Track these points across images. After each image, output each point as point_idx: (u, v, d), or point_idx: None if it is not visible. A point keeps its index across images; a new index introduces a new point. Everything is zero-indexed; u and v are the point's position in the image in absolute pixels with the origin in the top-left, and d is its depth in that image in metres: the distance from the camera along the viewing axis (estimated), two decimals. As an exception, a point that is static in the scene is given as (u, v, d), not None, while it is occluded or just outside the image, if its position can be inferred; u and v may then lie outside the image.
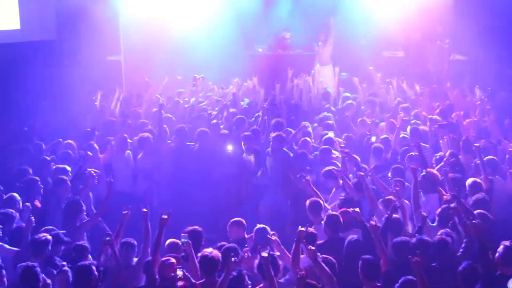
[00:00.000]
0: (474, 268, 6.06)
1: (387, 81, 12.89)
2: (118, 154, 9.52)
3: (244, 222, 7.34)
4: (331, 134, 9.89)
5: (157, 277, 6.39)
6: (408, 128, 10.30)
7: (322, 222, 7.34)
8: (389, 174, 8.56)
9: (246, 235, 7.23)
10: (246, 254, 6.39)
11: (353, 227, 7.33)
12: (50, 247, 6.69)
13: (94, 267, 6.19)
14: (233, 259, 5.98)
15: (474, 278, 6.05)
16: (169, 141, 9.89)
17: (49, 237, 6.74)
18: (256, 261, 6.25)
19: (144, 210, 6.98)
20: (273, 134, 9.69)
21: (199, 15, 15.20)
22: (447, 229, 6.97)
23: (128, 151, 9.65)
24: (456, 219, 6.97)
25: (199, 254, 6.43)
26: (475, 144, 8.69)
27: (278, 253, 6.40)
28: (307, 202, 7.72)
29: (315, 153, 9.52)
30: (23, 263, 6.18)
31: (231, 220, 7.37)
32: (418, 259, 5.79)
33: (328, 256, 6.32)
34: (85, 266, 6.19)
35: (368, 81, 13.54)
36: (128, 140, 9.69)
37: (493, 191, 8.01)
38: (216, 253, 6.33)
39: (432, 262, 6.42)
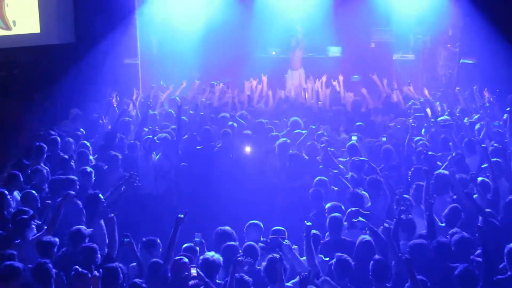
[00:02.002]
0: (470, 271, 6.04)
1: (395, 88, 13.11)
2: (145, 156, 9.57)
3: (261, 225, 7.22)
4: (354, 138, 9.94)
5: (169, 275, 6.39)
6: (423, 130, 10.52)
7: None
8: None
9: (262, 238, 7.07)
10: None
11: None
12: (56, 249, 6.72)
13: (120, 269, 6.26)
14: (239, 258, 6.05)
15: (472, 281, 6.02)
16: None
17: (56, 239, 6.78)
18: (264, 264, 6.26)
19: (180, 216, 6.78)
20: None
21: (214, 18, 15.47)
22: (456, 228, 7.03)
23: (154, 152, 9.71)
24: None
25: (201, 257, 6.47)
26: (482, 145, 8.76)
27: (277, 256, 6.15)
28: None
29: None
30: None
31: (248, 223, 7.27)
32: (408, 256, 5.95)
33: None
34: (112, 268, 6.24)
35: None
36: (157, 140, 9.73)
37: (499, 192, 8.05)
38: (218, 257, 6.36)
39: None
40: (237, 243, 6.78)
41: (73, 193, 7.65)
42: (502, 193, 7.98)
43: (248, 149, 9.57)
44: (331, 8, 15.72)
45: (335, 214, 7.35)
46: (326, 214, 7.58)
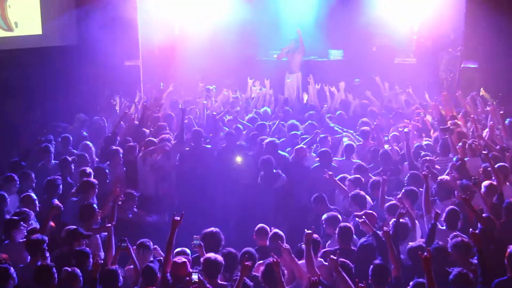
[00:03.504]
0: (464, 275, 6.01)
1: (397, 93, 13.10)
2: (145, 158, 9.57)
3: (267, 230, 7.22)
4: (345, 139, 10.03)
5: (169, 277, 6.36)
6: (432, 132, 10.49)
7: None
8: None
9: (267, 243, 7.12)
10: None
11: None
12: (45, 246, 6.67)
13: (119, 272, 6.29)
14: (246, 263, 6.03)
15: (466, 285, 5.99)
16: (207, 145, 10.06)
17: (45, 237, 6.76)
18: (262, 268, 6.25)
19: (177, 218, 6.63)
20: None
21: (216, 21, 15.49)
22: (457, 232, 7.04)
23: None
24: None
25: (202, 258, 6.47)
26: (483, 152, 8.68)
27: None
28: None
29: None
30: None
31: (257, 227, 7.30)
32: (427, 255, 5.83)
33: (345, 261, 6.35)
34: (111, 271, 6.28)
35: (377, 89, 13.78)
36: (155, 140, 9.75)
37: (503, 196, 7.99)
38: (220, 257, 6.36)
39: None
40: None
41: (61, 206, 7.67)
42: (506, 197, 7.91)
43: (239, 159, 9.55)
44: (333, 11, 15.73)
45: (345, 223, 7.28)
46: (323, 226, 7.59)
